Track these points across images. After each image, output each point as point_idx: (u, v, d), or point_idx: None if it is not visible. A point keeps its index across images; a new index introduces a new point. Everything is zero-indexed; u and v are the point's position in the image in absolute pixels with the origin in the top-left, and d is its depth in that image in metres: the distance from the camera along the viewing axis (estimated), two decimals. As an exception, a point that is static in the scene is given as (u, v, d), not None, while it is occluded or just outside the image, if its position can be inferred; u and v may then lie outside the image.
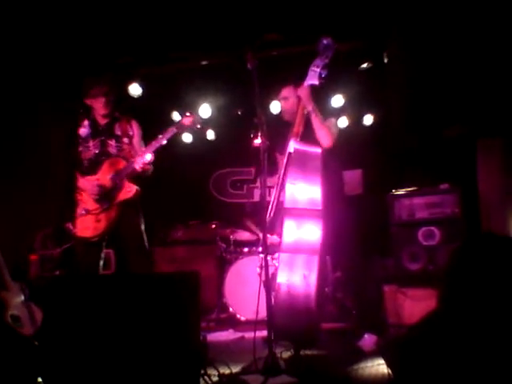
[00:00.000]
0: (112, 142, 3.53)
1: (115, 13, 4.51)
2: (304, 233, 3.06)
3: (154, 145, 3.45)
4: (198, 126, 3.68)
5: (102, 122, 3.58)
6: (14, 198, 4.65)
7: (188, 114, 3.65)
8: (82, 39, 4.69)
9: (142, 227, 3.52)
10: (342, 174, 3.68)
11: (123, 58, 5.14)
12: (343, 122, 5.92)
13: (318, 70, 3.22)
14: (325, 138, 3.23)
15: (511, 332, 1.78)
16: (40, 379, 2.44)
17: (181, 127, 3.56)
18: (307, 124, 3.26)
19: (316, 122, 3.24)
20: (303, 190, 3.08)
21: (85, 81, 3.56)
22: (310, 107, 3.23)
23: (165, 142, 3.47)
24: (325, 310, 4.22)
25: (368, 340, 3.15)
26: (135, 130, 3.62)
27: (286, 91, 3.53)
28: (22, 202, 4.69)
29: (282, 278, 2.94)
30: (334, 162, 3.36)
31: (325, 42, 3.21)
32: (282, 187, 3.20)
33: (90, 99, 3.52)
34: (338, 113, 5.79)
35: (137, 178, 3.54)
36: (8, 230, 4.36)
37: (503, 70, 4.26)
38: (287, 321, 2.84)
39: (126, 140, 3.55)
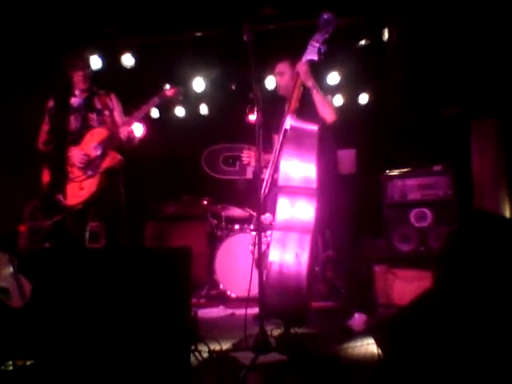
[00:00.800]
0: (93, 116, 3.55)
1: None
2: (297, 211, 3.04)
3: (137, 115, 3.50)
4: (180, 98, 3.77)
5: (82, 96, 3.58)
6: (2, 169, 4.58)
7: (170, 86, 3.81)
8: (72, 8, 4.57)
9: (122, 198, 3.57)
10: (337, 152, 3.65)
11: (115, 27, 5.02)
12: (338, 100, 5.87)
13: (318, 45, 3.16)
14: (328, 112, 3.21)
15: (506, 314, 1.78)
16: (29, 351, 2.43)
17: (163, 97, 3.60)
18: (303, 100, 3.21)
19: (318, 97, 3.20)
20: (298, 168, 3.05)
21: (64, 55, 3.55)
22: (309, 83, 3.19)
23: (147, 111, 3.53)
24: (315, 288, 4.23)
25: (358, 319, 3.17)
26: (115, 103, 3.65)
27: (282, 66, 3.48)
28: (12, 173, 4.63)
29: (274, 256, 2.93)
30: (330, 140, 3.33)
31: (325, 16, 3.15)
32: (276, 164, 3.16)
33: (69, 72, 3.53)
34: (334, 91, 5.73)
35: (124, 149, 3.56)
36: (-4, 201, 4.30)
37: (498, 52, 4.22)
38: (278, 299, 2.84)
39: (107, 113, 3.57)
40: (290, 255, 2.92)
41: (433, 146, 4.66)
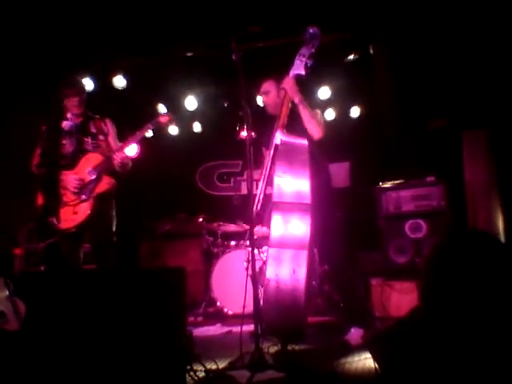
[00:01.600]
0: (88, 140, 3.57)
1: (100, 4, 4.44)
2: (292, 227, 2.99)
3: (130, 141, 3.52)
4: (173, 124, 3.79)
5: (77, 120, 3.60)
6: (-1, 192, 4.59)
7: (164, 113, 3.81)
8: (64, 32, 4.62)
9: (114, 223, 3.59)
10: (329, 166, 3.66)
11: (106, 49, 5.07)
12: (330, 114, 5.91)
13: (304, 59, 3.15)
14: (315, 129, 3.19)
15: (495, 326, 1.78)
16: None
17: (156, 124, 3.66)
18: (292, 116, 3.22)
19: (305, 113, 3.19)
20: (291, 183, 3.02)
21: (59, 80, 3.60)
22: (296, 99, 3.18)
23: (141, 137, 3.55)
24: (312, 303, 4.20)
25: (355, 334, 3.15)
26: (110, 127, 3.68)
27: (266, 85, 3.48)
28: (7, 196, 4.63)
29: (270, 273, 2.89)
30: (321, 155, 3.33)
31: (311, 31, 3.15)
32: (268, 180, 3.16)
33: (64, 99, 3.55)
34: (325, 105, 5.78)
35: (116, 173, 3.58)
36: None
37: (488, 63, 4.27)
38: (276, 316, 2.80)
39: (101, 137, 3.60)
40: (286, 272, 2.85)
41: (425, 157, 4.69)
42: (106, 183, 3.51)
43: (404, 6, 4.43)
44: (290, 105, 3.20)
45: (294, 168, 3.02)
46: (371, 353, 2.27)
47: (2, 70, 4.57)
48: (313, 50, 3.17)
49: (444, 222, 4.03)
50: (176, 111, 5.82)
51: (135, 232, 5.45)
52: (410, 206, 4.18)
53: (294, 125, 3.19)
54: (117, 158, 3.46)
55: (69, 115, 3.54)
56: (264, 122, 3.56)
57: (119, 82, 5.41)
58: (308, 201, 2.99)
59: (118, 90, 5.44)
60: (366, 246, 4.61)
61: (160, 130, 3.80)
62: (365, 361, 2.69)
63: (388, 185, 4.33)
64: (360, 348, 2.94)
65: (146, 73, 5.54)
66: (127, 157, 3.52)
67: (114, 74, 5.38)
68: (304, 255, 2.89)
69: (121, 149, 3.50)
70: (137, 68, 5.48)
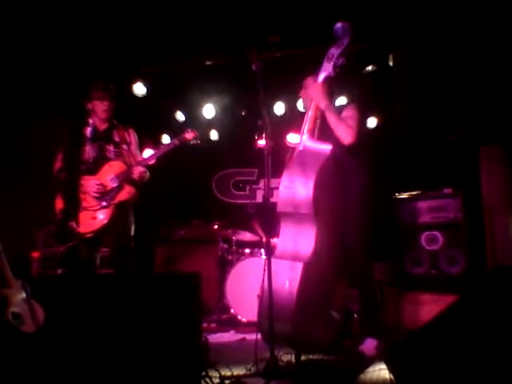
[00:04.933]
0: (110, 147, 3.62)
1: (120, 11, 4.51)
2: (288, 238, 2.92)
3: (154, 155, 3.61)
4: (198, 142, 3.88)
5: (101, 127, 3.66)
6: (18, 195, 4.66)
7: (190, 130, 3.88)
8: (85, 38, 4.69)
9: (132, 229, 3.63)
10: (365, 173, 3.35)
11: (127, 56, 5.15)
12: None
13: (333, 59, 3.05)
14: (343, 134, 3.05)
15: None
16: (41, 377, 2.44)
17: (182, 140, 3.76)
18: (324, 120, 3.11)
19: (331, 119, 3.07)
20: (294, 193, 2.90)
21: (92, 83, 3.63)
22: (322, 105, 3.07)
23: (165, 152, 3.64)
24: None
25: (369, 344, 3.12)
26: (132, 138, 3.73)
27: (307, 80, 3.33)
28: (26, 199, 4.70)
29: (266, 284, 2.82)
30: (353, 160, 3.17)
31: (341, 26, 3.03)
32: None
33: (93, 102, 3.58)
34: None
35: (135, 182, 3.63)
36: (11, 227, 4.36)
37: (507, 78, 4.25)
38: (268, 326, 2.71)
39: (124, 146, 3.65)
40: (280, 283, 2.77)
41: (442, 169, 4.67)
42: (126, 192, 3.55)
43: (424, 17, 4.43)
44: (318, 110, 3.11)
45: (300, 177, 2.90)
46: (387, 364, 2.27)
47: (25, 73, 4.65)
48: (343, 48, 3.06)
49: (460, 234, 4.01)
50: (194, 119, 5.87)
51: (151, 238, 5.49)
52: (427, 217, 4.17)
53: (326, 130, 3.09)
54: (135, 172, 3.52)
55: (91, 121, 3.59)
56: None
57: (139, 89, 5.48)
58: (308, 211, 2.85)
59: (137, 97, 5.51)
60: (382, 257, 4.59)
61: (185, 146, 3.85)
62: (379, 372, 2.68)
63: (404, 196, 4.32)
64: (375, 358, 2.92)
65: (165, 81, 5.60)
66: (145, 172, 3.59)
67: (134, 82, 5.45)
68: (298, 267, 2.78)
69: (142, 162, 3.57)
70: (156, 76, 5.55)
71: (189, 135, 3.78)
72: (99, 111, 3.59)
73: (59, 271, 4.60)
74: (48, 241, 4.82)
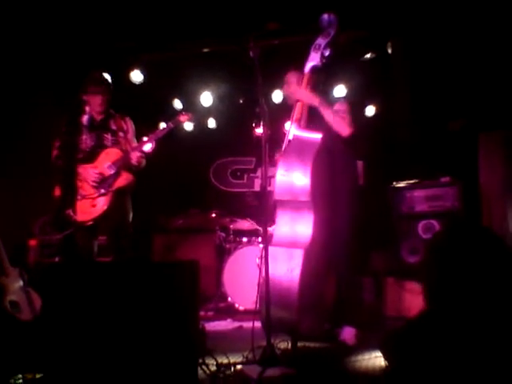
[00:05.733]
0: (108, 136, 3.63)
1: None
2: (286, 225, 2.94)
3: (149, 139, 3.61)
4: (193, 123, 3.89)
5: (98, 117, 3.67)
6: (15, 184, 4.65)
7: (184, 112, 3.89)
8: (82, 26, 4.65)
9: (130, 215, 3.65)
10: (355, 162, 3.46)
11: (124, 42, 5.11)
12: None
13: (320, 49, 3.07)
14: (341, 127, 3.10)
15: (504, 324, 1.77)
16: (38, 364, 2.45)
17: (176, 123, 3.75)
18: (313, 109, 3.14)
19: (327, 114, 3.10)
20: (291, 181, 2.92)
21: (88, 75, 3.63)
22: (316, 103, 3.11)
23: (161, 136, 3.64)
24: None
25: (348, 332, 3.10)
26: (129, 126, 3.74)
27: (288, 76, 3.44)
28: (23, 188, 4.70)
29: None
30: (343, 149, 3.21)
31: (326, 17, 3.07)
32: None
33: (88, 95, 3.59)
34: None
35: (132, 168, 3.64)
36: (7, 215, 4.36)
37: (505, 65, 4.23)
38: (270, 313, 2.73)
39: (121, 134, 3.66)
40: (280, 270, 2.79)
41: (440, 158, 4.66)
42: (124, 179, 3.57)
43: (422, 5, 4.39)
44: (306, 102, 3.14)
45: (297, 165, 2.93)
46: (382, 352, 2.28)
47: (22, 63, 4.62)
48: (329, 39, 3.08)
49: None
50: (191, 107, 5.84)
51: (149, 226, 5.49)
52: (424, 206, 4.17)
53: (315, 118, 3.12)
54: (133, 157, 3.53)
55: (87, 109, 3.59)
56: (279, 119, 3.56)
57: (136, 76, 5.44)
58: (306, 198, 2.88)
59: (134, 84, 5.48)
60: (379, 246, 4.60)
61: (178, 128, 3.86)
62: (375, 359, 2.70)
63: (402, 184, 4.32)
64: (359, 347, 2.94)
65: (162, 68, 5.57)
66: (142, 157, 3.60)
67: (132, 69, 5.42)
68: (299, 254, 2.81)
69: (139, 147, 3.58)
70: (154, 63, 5.51)
71: (183, 118, 3.80)
72: (94, 104, 3.60)
73: (56, 259, 4.61)
74: (45, 229, 4.82)
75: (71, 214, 3.45)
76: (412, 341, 2.06)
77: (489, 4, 4.09)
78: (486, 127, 4.28)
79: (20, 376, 2.42)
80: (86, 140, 3.57)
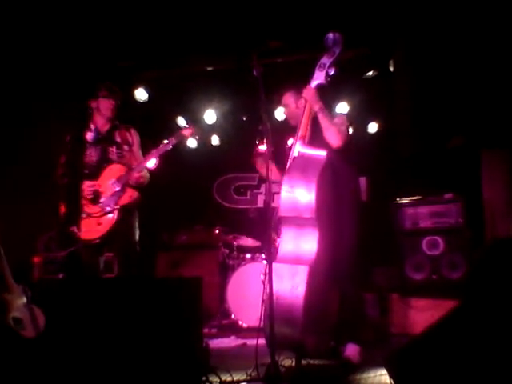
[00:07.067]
0: (113, 149, 3.59)
1: (120, 16, 4.53)
2: (290, 242, 2.93)
3: (153, 154, 3.55)
4: (197, 137, 3.78)
5: (103, 128, 3.63)
6: (19, 200, 4.66)
7: (187, 125, 3.78)
8: (86, 42, 4.71)
9: (137, 233, 3.59)
10: (357, 179, 3.45)
11: (128, 61, 5.17)
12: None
13: (325, 68, 3.08)
14: (333, 137, 3.08)
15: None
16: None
17: (179, 137, 3.65)
18: (315, 127, 3.15)
19: (324, 121, 3.10)
20: (296, 198, 2.91)
21: (98, 82, 3.61)
22: (316, 107, 3.10)
23: (164, 151, 3.56)
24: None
25: (352, 349, 3.05)
26: (134, 138, 3.70)
27: (286, 98, 3.45)
28: (27, 204, 4.71)
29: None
30: (345, 166, 3.21)
31: (332, 36, 3.07)
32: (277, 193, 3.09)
33: (99, 100, 3.56)
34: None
35: (150, 183, 3.63)
36: (11, 232, 4.35)
37: (507, 82, 4.26)
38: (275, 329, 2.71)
39: (126, 147, 3.62)
40: (285, 287, 2.77)
41: (443, 174, 4.67)
42: (129, 196, 3.52)
43: (424, 23, 4.44)
44: (311, 116, 3.15)
45: (302, 182, 2.94)
46: (388, 369, 2.26)
47: (30, 79, 4.67)
48: (334, 58, 3.09)
49: (462, 239, 4.00)
50: (195, 124, 5.87)
51: (152, 243, 5.49)
52: (428, 222, 4.17)
53: (317, 136, 3.13)
54: (131, 178, 3.49)
55: (93, 125, 3.58)
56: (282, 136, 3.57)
57: (141, 94, 5.50)
58: (311, 215, 2.88)
59: (139, 102, 5.53)
60: (383, 262, 4.59)
61: (181, 144, 3.78)
62: (380, 377, 2.67)
63: (405, 201, 4.32)
64: (364, 365, 2.91)
65: (166, 86, 5.62)
66: (143, 174, 3.56)
67: (136, 87, 5.47)
68: (303, 271, 2.79)
69: (140, 167, 3.53)
70: (157, 81, 5.57)
71: (186, 132, 3.69)
72: (104, 109, 3.56)
73: (60, 276, 4.60)
74: (49, 245, 4.83)
75: (75, 230, 3.44)
76: (418, 358, 2.05)
77: (490, 21, 4.13)
78: (488, 144, 4.30)
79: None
80: (91, 154, 3.54)
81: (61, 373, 2.29)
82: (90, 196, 3.45)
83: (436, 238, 4.08)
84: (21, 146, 4.71)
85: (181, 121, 5.89)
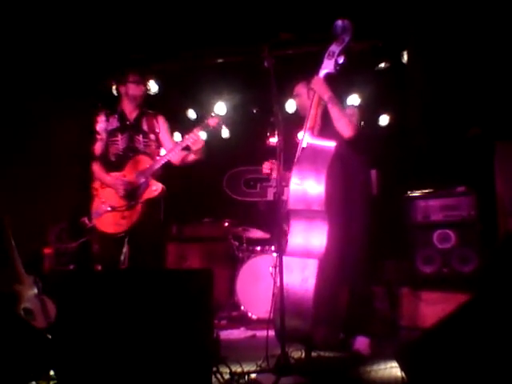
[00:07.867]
0: (139, 138, 3.54)
1: (133, 8, 4.53)
2: (300, 235, 2.91)
3: (178, 146, 3.50)
4: (223, 127, 3.69)
5: (131, 115, 3.58)
6: (30, 191, 4.69)
7: (213, 114, 3.62)
8: (97, 35, 4.71)
9: (161, 225, 3.58)
10: (368, 170, 3.42)
11: (139, 53, 5.16)
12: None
13: (334, 56, 3.03)
14: (344, 127, 3.04)
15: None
16: (52, 372, 2.46)
17: (206, 127, 3.51)
18: (325, 118, 3.12)
19: (334, 111, 3.05)
20: (305, 190, 2.88)
21: (127, 68, 3.59)
22: (325, 97, 3.05)
23: (189, 142, 3.47)
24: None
25: (361, 342, 3.06)
26: (162, 125, 3.64)
27: (298, 88, 3.44)
28: (38, 195, 4.74)
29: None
30: (356, 157, 3.18)
31: (340, 23, 3.01)
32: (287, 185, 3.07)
33: (128, 85, 3.51)
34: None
35: (161, 175, 3.57)
36: (23, 223, 4.39)
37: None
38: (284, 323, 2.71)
39: (152, 136, 3.57)
40: (295, 280, 2.76)
41: (456, 167, 4.62)
42: (154, 189, 3.45)
43: (438, 13, 4.39)
44: (320, 106, 3.11)
45: (312, 173, 2.90)
46: (399, 362, 2.25)
47: (39, 73, 4.68)
48: (343, 46, 3.04)
49: (473, 232, 3.97)
50: (205, 117, 5.87)
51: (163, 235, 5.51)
52: (439, 215, 4.13)
53: (328, 126, 3.10)
54: (174, 158, 3.45)
55: (102, 117, 3.51)
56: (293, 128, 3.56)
57: (151, 86, 5.49)
58: (320, 207, 2.84)
59: (149, 94, 5.52)
60: (393, 255, 4.56)
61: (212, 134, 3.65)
62: (391, 370, 2.66)
63: (417, 194, 4.29)
64: (373, 357, 2.90)
65: (177, 78, 5.61)
66: (186, 155, 3.54)
67: (147, 79, 5.46)
68: (313, 264, 2.78)
69: (173, 148, 3.47)
70: (168, 73, 5.56)
71: (212, 121, 3.50)
72: (133, 95, 3.51)
73: (71, 267, 4.64)
74: (60, 236, 4.86)
75: (86, 221, 3.44)
76: (430, 352, 2.04)
77: (505, 12, 4.07)
78: (503, 136, 4.24)
79: (34, 383, 2.43)
80: (117, 142, 3.48)
81: (72, 363, 2.31)
82: (123, 190, 3.38)
83: (447, 231, 4.05)
84: (34, 139, 4.73)
85: (191, 113, 5.88)
